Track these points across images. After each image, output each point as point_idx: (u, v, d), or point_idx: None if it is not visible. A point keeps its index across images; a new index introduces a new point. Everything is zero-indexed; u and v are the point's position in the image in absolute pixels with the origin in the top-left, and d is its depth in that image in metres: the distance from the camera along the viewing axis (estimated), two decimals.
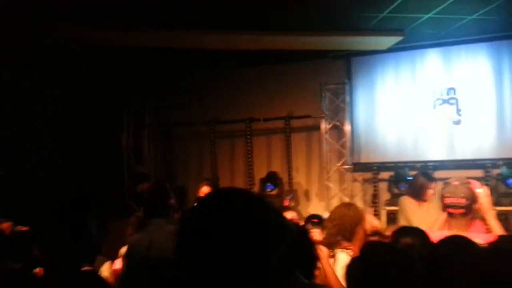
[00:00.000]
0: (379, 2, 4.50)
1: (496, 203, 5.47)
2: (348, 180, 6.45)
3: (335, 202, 6.48)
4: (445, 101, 5.90)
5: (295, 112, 6.54)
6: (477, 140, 5.77)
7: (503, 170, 5.40)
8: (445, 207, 2.41)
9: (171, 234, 2.12)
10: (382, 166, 6.16)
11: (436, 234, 2.26)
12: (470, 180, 2.47)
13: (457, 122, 5.85)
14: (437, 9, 4.66)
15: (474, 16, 4.89)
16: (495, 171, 5.59)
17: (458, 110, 5.84)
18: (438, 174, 5.84)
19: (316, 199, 6.79)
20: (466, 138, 5.81)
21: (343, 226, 2.93)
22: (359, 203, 6.32)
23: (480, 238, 2.22)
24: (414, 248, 2.01)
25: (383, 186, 6.18)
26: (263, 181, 6.44)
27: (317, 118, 6.40)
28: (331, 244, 2.91)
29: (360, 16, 4.88)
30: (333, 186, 6.50)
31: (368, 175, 6.38)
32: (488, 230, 2.49)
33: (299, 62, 6.55)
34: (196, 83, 7.17)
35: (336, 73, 6.48)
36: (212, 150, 6.77)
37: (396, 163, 5.96)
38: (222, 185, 7.04)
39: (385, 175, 6.14)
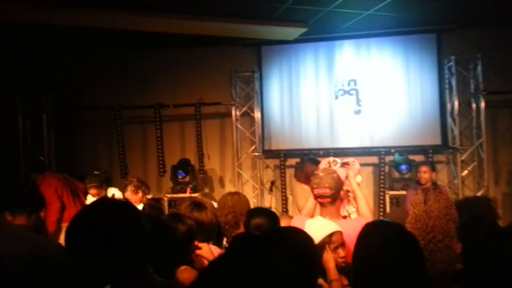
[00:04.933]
0: None
1: (390, 187, 5.93)
2: (259, 167, 6.59)
3: (246, 188, 6.63)
4: (346, 92, 6.20)
5: (206, 98, 6.50)
6: (374, 129, 6.16)
7: (396, 157, 5.81)
8: (314, 197, 2.54)
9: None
10: (289, 153, 6.37)
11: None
12: (335, 170, 2.61)
13: (357, 112, 6.19)
14: (336, 3, 4.85)
15: (370, 12, 5.15)
16: (389, 158, 6.01)
17: (358, 101, 6.17)
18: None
19: (230, 185, 6.86)
20: (365, 127, 6.17)
21: (237, 214, 2.99)
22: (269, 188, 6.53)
23: (344, 223, 2.37)
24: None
25: (291, 172, 6.39)
26: (175, 169, 6.37)
27: (227, 105, 6.43)
28: (225, 232, 2.96)
29: (266, 5, 4.94)
30: (244, 173, 6.61)
31: (278, 161, 6.56)
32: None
33: (210, 48, 6.51)
34: (103, 66, 6.85)
35: (246, 61, 6.53)
36: (119, 137, 6.54)
37: (301, 150, 6.19)
38: (133, 173, 6.87)
39: (292, 161, 6.35)
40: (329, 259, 2.19)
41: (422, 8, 5.05)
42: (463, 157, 5.87)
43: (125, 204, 1.43)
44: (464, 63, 5.80)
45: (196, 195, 6.17)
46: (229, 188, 6.82)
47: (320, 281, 2.09)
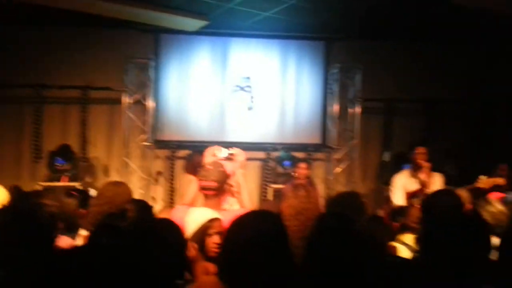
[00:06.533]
0: None
1: (274, 181, 6.32)
2: (149, 157, 6.45)
3: (133, 179, 6.43)
4: (242, 88, 6.44)
5: (95, 82, 6.14)
6: (263, 126, 6.51)
7: (281, 153, 6.23)
8: (200, 188, 2.62)
9: None
10: (181, 145, 6.37)
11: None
12: (223, 163, 2.72)
13: (251, 108, 6.48)
14: (237, 1, 5.01)
15: (268, 13, 5.44)
16: (275, 154, 6.42)
17: (252, 98, 6.46)
18: None
19: (116, 175, 6.55)
20: (256, 123, 6.49)
21: (113, 206, 2.86)
22: (159, 179, 6.44)
23: (225, 214, 2.48)
24: None
25: (182, 163, 6.38)
26: (52, 155, 5.86)
27: (119, 91, 6.16)
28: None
29: None
30: (133, 163, 6.40)
31: (169, 152, 6.51)
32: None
33: (104, 29, 6.16)
34: None
35: (143, 48, 6.32)
36: None
37: (193, 142, 6.23)
38: (2, 157, 6.16)
39: (184, 153, 6.35)
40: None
41: (315, 17, 5.51)
42: (338, 156, 6.56)
43: None
44: (346, 71, 6.48)
45: (75, 184, 5.79)
46: (114, 178, 6.51)
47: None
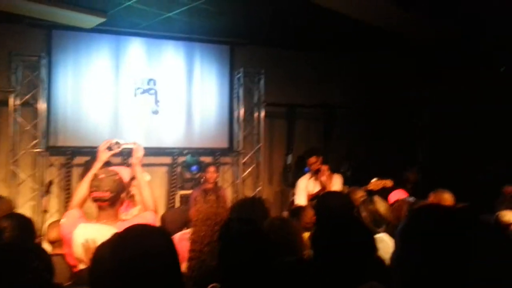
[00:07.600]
0: None
1: (181, 187, 6.17)
2: (42, 165, 5.88)
3: (23, 189, 5.84)
4: (145, 91, 6.19)
5: None
6: (170, 130, 6.32)
7: (188, 158, 6.10)
8: (93, 200, 2.39)
9: None
10: (78, 151, 5.92)
11: None
12: (118, 170, 2.51)
13: (155, 112, 6.25)
14: None
15: (171, 14, 5.31)
16: (181, 159, 6.27)
17: (157, 101, 6.24)
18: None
19: (3, 185, 5.89)
20: (162, 127, 6.28)
21: None
22: (54, 189, 5.90)
23: (123, 225, 2.32)
24: None
25: (80, 171, 5.94)
26: None
27: (4, 92, 5.54)
28: None
29: None
30: (23, 171, 5.80)
31: (65, 159, 6.01)
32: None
33: None
34: None
35: (33, 44, 5.77)
36: None
37: (92, 147, 5.81)
38: None
39: (82, 160, 5.91)
40: None
41: (218, 20, 5.50)
42: (244, 160, 6.61)
43: None
44: (251, 76, 6.58)
45: None
46: (1, 188, 5.87)
47: None
